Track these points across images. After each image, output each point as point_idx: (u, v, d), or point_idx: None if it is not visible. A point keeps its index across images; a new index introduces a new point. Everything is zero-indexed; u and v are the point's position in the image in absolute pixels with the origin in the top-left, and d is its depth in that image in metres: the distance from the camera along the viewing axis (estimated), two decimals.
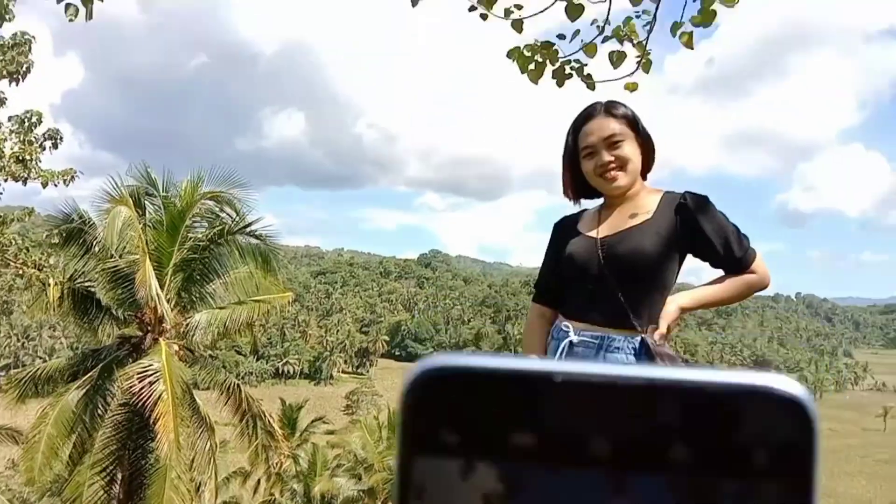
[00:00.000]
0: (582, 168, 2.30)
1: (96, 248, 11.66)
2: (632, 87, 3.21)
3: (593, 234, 2.27)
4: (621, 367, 0.23)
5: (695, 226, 2.17)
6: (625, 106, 2.28)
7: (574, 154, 2.32)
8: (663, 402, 0.23)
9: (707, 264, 2.25)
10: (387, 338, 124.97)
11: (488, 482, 0.23)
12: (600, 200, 2.38)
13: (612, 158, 2.22)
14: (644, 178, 2.33)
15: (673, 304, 2.17)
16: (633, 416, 0.23)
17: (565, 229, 2.40)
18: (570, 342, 2.20)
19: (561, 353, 2.21)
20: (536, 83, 3.41)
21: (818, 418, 0.22)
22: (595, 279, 2.20)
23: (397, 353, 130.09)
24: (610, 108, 2.28)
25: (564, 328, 2.25)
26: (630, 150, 2.24)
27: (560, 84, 3.39)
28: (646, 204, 2.25)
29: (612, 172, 2.22)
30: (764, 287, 2.26)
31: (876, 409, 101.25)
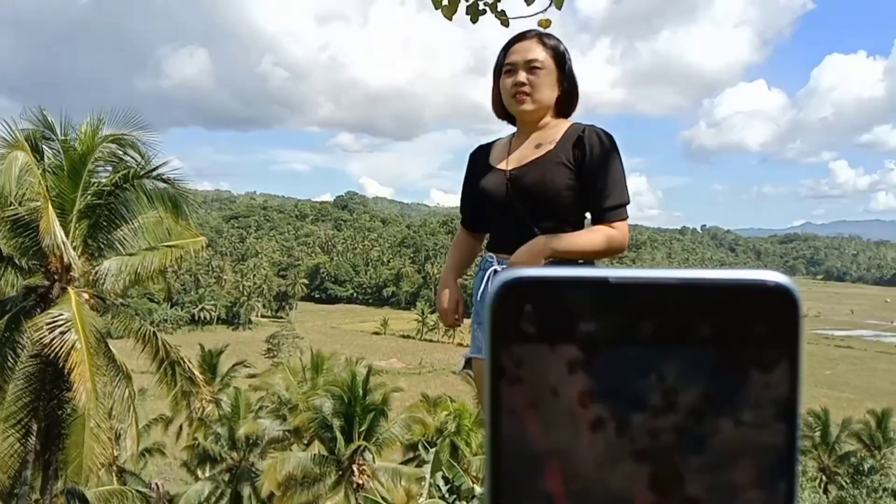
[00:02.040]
0: (500, 84, 2.34)
1: None
2: (545, 24, 3.24)
3: (502, 166, 2.32)
4: (658, 270, 0.29)
5: (583, 162, 2.20)
6: (559, 41, 2.32)
7: (500, 69, 2.35)
8: (689, 294, 0.29)
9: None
10: (306, 281, 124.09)
11: (567, 356, 0.29)
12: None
13: (526, 81, 2.26)
14: (566, 117, 2.37)
15: (542, 243, 2.18)
16: (667, 304, 0.29)
17: (478, 160, 2.45)
18: (494, 271, 2.29)
19: (487, 282, 2.30)
20: (450, 19, 3.43)
21: (803, 302, 0.29)
22: (507, 211, 2.28)
23: (317, 296, 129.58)
24: (543, 36, 2.33)
25: (489, 259, 2.34)
26: (546, 80, 2.28)
27: (474, 20, 3.41)
28: (551, 134, 2.29)
29: (522, 95, 2.26)
30: (620, 249, 2.25)
31: None
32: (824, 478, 27.76)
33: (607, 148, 2.21)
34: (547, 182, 2.19)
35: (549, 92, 2.28)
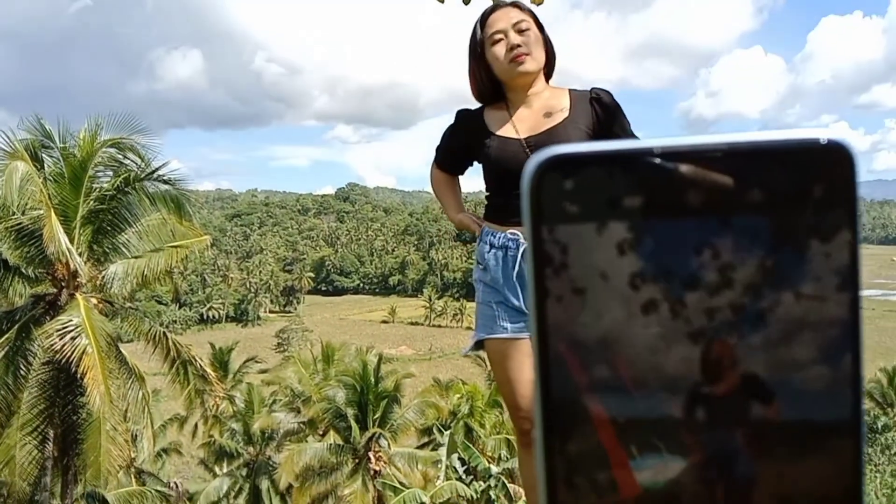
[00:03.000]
0: (489, 57, 2.29)
1: None
2: (538, 2, 3.28)
3: (511, 134, 2.27)
4: (705, 136, 0.28)
5: (609, 119, 2.25)
6: (530, 6, 2.34)
7: (482, 45, 2.31)
8: (740, 159, 0.28)
9: None
10: (312, 274, 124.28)
11: (614, 235, 0.28)
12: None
13: (521, 42, 2.23)
14: (547, 81, 2.35)
15: None
16: (718, 172, 0.28)
17: (471, 122, 2.40)
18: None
19: (518, 262, 2.23)
20: (442, 1, 3.46)
21: (858, 158, 0.28)
22: None
23: (324, 289, 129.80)
24: (516, 2, 2.33)
25: (512, 236, 2.26)
26: (536, 38, 2.26)
27: (466, 1, 3.43)
28: (557, 102, 2.27)
29: (522, 56, 2.22)
30: None
31: None
32: None
33: (616, 103, 2.28)
34: None
35: (541, 53, 2.27)
